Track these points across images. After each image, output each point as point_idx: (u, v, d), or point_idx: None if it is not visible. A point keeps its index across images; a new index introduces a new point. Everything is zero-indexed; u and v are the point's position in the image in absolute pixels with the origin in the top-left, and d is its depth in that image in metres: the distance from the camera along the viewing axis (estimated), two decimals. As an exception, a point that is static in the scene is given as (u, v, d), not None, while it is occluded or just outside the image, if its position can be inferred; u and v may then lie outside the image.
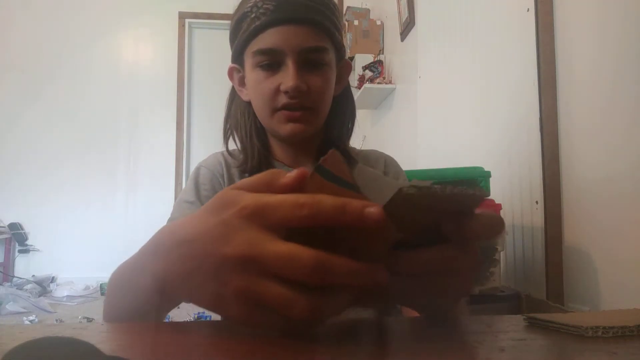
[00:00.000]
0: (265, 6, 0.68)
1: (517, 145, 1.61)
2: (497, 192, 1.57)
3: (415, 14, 2.72)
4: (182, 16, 4.37)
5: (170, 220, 0.72)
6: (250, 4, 0.70)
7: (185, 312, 2.87)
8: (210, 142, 4.75)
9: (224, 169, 0.77)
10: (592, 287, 1.25)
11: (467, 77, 2.10)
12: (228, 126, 0.81)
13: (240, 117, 0.79)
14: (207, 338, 0.32)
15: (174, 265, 0.34)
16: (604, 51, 1.24)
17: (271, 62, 0.69)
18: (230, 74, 0.79)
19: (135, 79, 4.33)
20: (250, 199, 0.31)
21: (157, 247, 0.38)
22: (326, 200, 0.30)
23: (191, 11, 4.38)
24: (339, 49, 0.75)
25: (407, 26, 2.82)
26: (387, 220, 0.29)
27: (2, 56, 4.19)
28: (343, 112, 0.81)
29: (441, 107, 2.37)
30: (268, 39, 0.69)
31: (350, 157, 0.80)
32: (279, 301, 0.30)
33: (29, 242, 4.09)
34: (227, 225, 0.31)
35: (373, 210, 0.29)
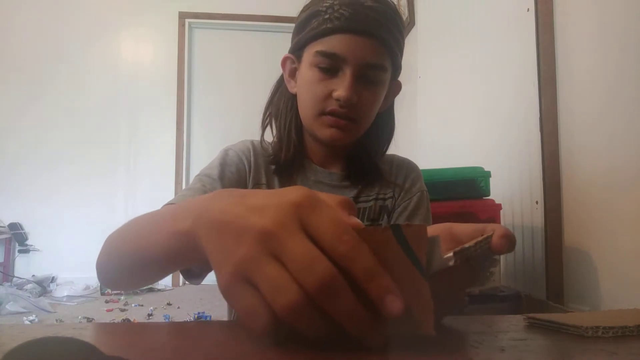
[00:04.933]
0: (341, 11, 0.68)
1: (517, 145, 1.61)
2: (497, 192, 1.57)
3: (415, 14, 2.72)
4: (182, 16, 4.37)
5: (187, 188, 0.73)
6: (327, 4, 0.70)
7: (185, 312, 2.87)
8: (210, 142, 4.72)
9: (252, 156, 0.78)
10: (592, 287, 1.25)
11: (467, 77, 2.10)
12: (268, 113, 0.81)
13: (282, 107, 0.79)
14: (207, 338, 0.32)
15: (215, 213, 0.34)
16: (604, 51, 1.24)
17: (330, 66, 0.70)
18: (284, 62, 0.79)
19: (135, 79, 4.32)
20: (309, 194, 0.31)
21: (222, 194, 0.37)
22: (364, 256, 0.29)
23: (191, 11, 4.38)
24: (396, 69, 0.76)
25: (407, 26, 2.82)
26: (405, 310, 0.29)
27: (2, 56, 4.19)
28: (382, 129, 0.82)
29: (441, 107, 2.37)
30: (334, 43, 0.69)
31: (377, 168, 0.81)
32: (272, 281, 0.29)
33: (29, 242, 4.09)
34: (276, 206, 0.31)
35: (395, 303, 0.28)
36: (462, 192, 1.49)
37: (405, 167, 0.85)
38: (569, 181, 1.37)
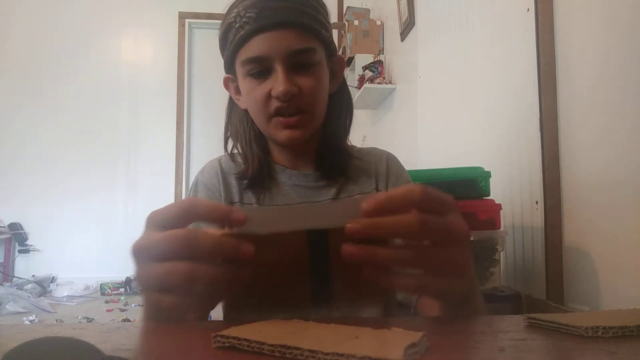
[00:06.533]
0: (248, 14, 0.68)
1: (517, 145, 1.61)
2: (497, 192, 1.57)
3: (415, 14, 2.72)
4: (182, 16, 4.37)
5: None
6: (234, 14, 0.70)
7: (185, 312, 2.87)
8: (210, 141, 4.73)
9: (220, 180, 0.77)
10: (592, 287, 1.25)
11: (467, 77, 2.10)
12: (228, 134, 0.81)
13: (239, 125, 0.79)
14: (207, 338, 0.32)
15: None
16: (604, 51, 1.24)
17: (260, 69, 0.69)
18: (226, 83, 0.79)
19: (135, 79, 4.33)
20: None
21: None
22: (203, 236, 0.38)
23: (191, 11, 4.38)
24: (328, 45, 0.74)
25: (407, 26, 2.82)
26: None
27: (1, 55, 4.19)
28: (339, 109, 0.80)
29: (441, 107, 2.37)
30: (254, 47, 0.68)
31: (350, 155, 0.80)
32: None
33: (29, 242, 4.09)
34: None
35: (247, 248, 0.37)
36: (462, 192, 1.49)
37: (385, 159, 0.82)
38: (569, 181, 1.37)
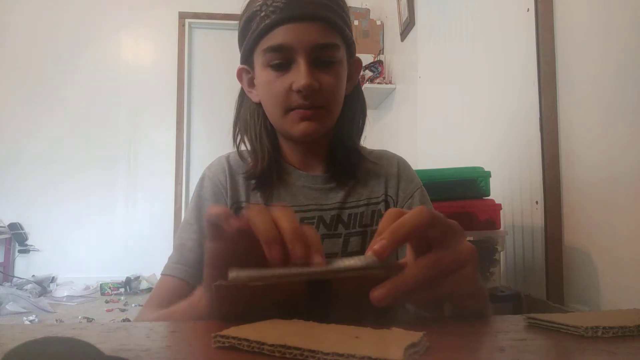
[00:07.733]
0: (275, 4, 0.67)
1: (517, 145, 1.61)
2: (497, 192, 1.57)
3: (415, 14, 2.72)
4: (182, 16, 4.37)
5: (174, 251, 0.72)
6: (260, 3, 0.68)
7: (185, 312, 2.86)
8: (210, 141, 4.73)
9: (227, 178, 0.76)
10: (592, 287, 1.25)
11: (467, 77, 2.10)
12: (237, 129, 0.79)
13: (249, 119, 0.77)
14: (207, 338, 0.32)
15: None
16: (604, 51, 1.24)
17: (282, 60, 0.68)
18: (240, 75, 0.78)
19: (135, 79, 4.32)
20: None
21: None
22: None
23: (191, 11, 4.38)
24: (350, 45, 0.74)
25: (407, 26, 2.82)
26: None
27: (1, 55, 4.19)
28: (354, 111, 0.79)
29: (441, 107, 2.37)
30: (279, 36, 0.67)
31: (361, 157, 0.79)
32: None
33: (29, 242, 4.09)
34: None
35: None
36: (462, 192, 1.49)
37: (397, 162, 0.82)
38: (569, 181, 1.37)
